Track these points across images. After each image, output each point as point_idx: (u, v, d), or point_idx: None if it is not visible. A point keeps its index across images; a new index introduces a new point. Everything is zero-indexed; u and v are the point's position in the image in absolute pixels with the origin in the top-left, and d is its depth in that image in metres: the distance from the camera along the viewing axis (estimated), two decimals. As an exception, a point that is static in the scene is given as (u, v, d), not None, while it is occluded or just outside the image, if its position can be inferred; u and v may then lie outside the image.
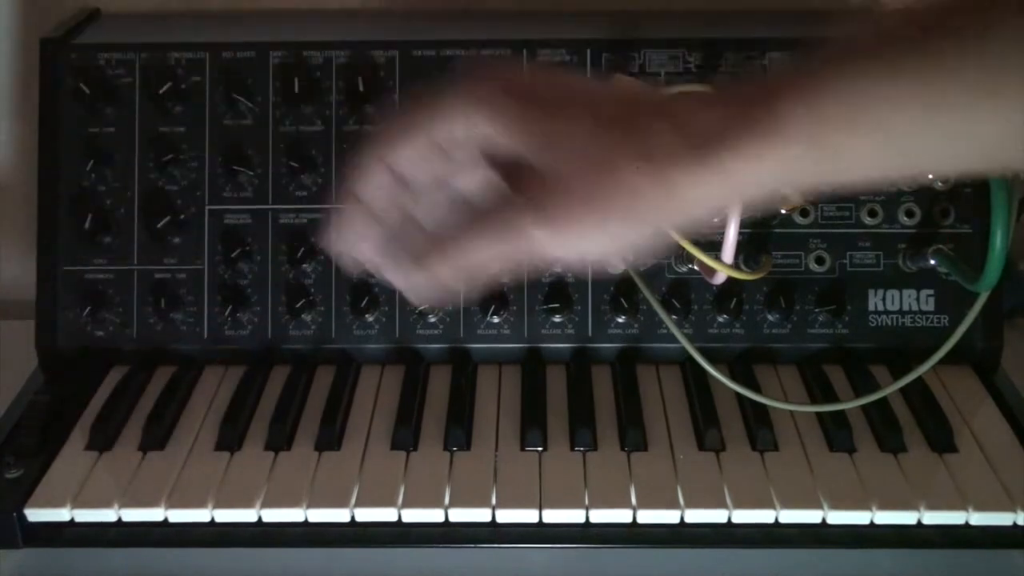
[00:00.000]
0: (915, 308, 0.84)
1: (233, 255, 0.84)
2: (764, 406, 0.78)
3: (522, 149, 0.52)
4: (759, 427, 0.76)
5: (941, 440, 0.76)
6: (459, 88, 0.53)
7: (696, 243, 0.72)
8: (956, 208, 0.84)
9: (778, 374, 0.84)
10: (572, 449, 0.76)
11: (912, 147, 0.47)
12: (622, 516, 0.71)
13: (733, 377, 0.77)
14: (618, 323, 0.85)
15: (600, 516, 0.71)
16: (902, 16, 0.47)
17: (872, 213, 0.84)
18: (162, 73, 0.85)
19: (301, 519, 0.72)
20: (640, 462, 0.75)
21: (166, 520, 0.72)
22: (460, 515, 0.72)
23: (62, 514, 0.72)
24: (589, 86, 0.58)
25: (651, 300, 0.78)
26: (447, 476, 0.74)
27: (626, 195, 0.50)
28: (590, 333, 0.85)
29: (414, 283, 0.56)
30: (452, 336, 0.85)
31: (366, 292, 0.84)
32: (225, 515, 0.72)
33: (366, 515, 0.72)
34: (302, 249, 0.84)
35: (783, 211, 0.83)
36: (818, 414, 0.79)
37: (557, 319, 0.85)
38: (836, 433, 0.76)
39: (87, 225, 0.84)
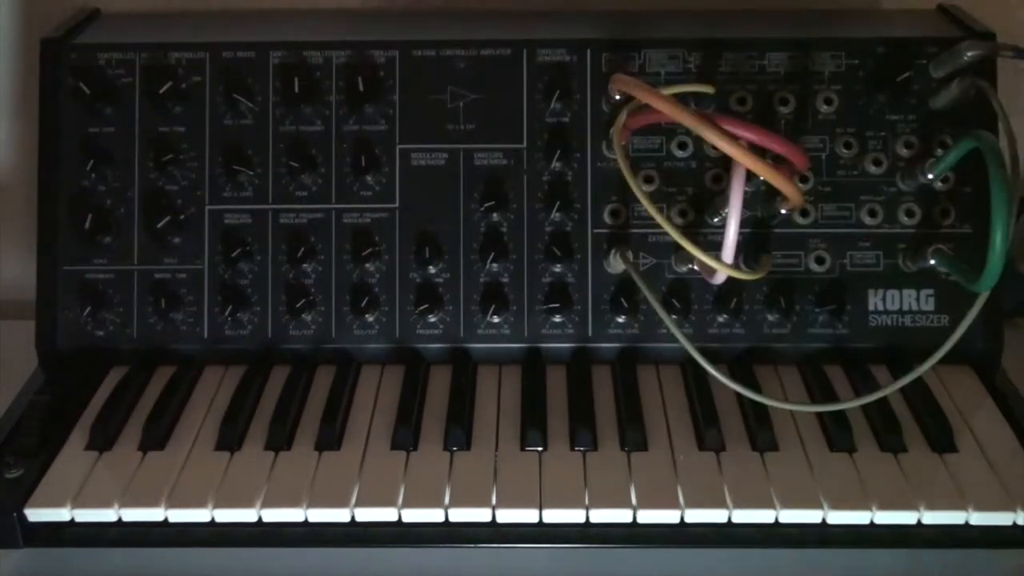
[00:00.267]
0: (915, 308, 0.84)
1: (233, 255, 0.84)
2: (764, 406, 0.78)
3: None
4: (759, 427, 0.76)
5: (941, 440, 0.76)
6: None
7: (696, 243, 0.72)
8: (956, 208, 0.84)
9: (778, 374, 0.84)
10: (572, 449, 0.76)
11: None
12: (622, 516, 0.71)
13: (733, 377, 0.77)
14: (618, 323, 0.85)
15: (600, 516, 0.71)
16: None
17: (872, 213, 0.84)
18: (162, 73, 0.85)
19: (301, 519, 0.72)
20: (640, 462, 0.75)
21: (166, 520, 0.72)
22: (460, 515, 0.72)
23: (62, 514, 0.72)
24: None
25: (651, 300, 0.78)
26: (447, 476, 0.74)
27: None
28: (590, 333, 0.85)
29: None
30: (452, 336, 0.85)
31: (366, 292, 0.84)
32: (225, 515, 0.72)
33: (366, 515, 0.72)
34: (302, 249, 0.84)
35: (783, 211, 0.83)
36: (818, 414, 0.79)
37: (557, 319, 0.85)
38: (836, 433, 0.76)
39: (87, 225, 0.84)
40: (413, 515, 0.72)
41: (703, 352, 0.76)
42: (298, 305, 0.84)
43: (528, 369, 0.85)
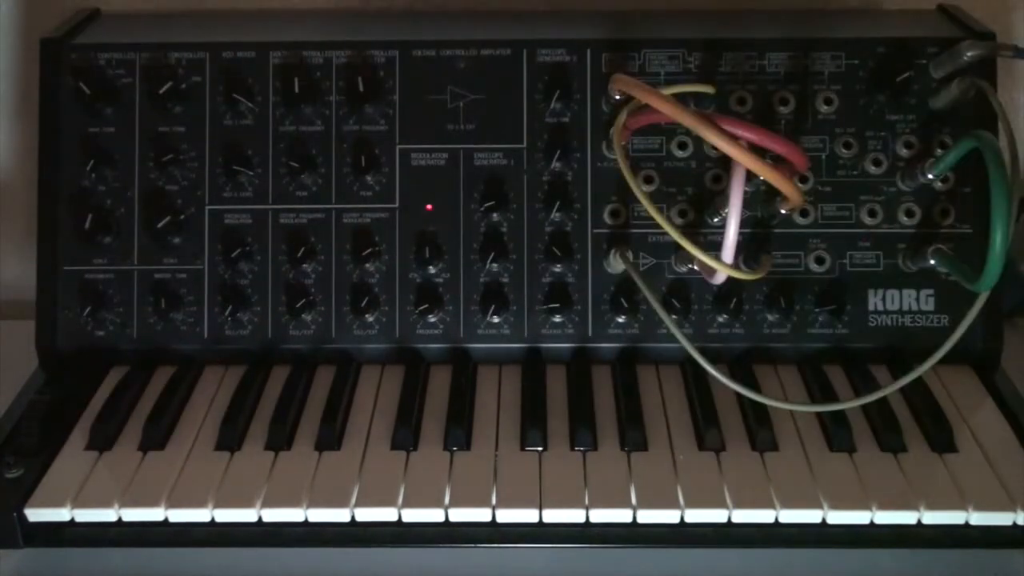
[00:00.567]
0: (915, 308, 0.84)
1: (233, 255, 0.84)
2: (764, 406, 0.78)
3: None
4: (759, 427, 0.76)
5: (941, 440, 0.76)
6: None
7: (696, 243, 0.72)
8: (956, 208, 0.84)
9: (778, 374, 0.84)
10: (572, 449, 0.76)
11: None
12: (622, 516, 0.71)
13: (733, 377, 0.77)
14: (618, 323, 0.85)
15: (600, 516, 0.71)
16: None
17: (872, 213, 0.84)
18: (162, 73, 0.85)
19: (301, 519, 0.72)
20: (640, 462, 0.75)
21: (166, 520, 0.72)
22: (460, 515, 0.72)
23: (62, 514, 0.72)
24: None
25: (651, 300, 0.78)
26: (447, 476, 0.74)
27: None
28: (590, 333, 0.85)
29: None
30: (452, 336, 0.85)
31: (366, 292, 0.84)
32: (225, 515, 0.72)
33: (366, 515, 0.72)
34: (302, 249, 0.84)
35: (783, 211, 0.83)
36: (818, 414, 0.79)
37: (557, 319, 0.85)
38: (836, 433, 0.76)
39: (87, 225, 0.84)
40: (413, 515, 0.72)
41: (703, 352, 0.76)
42: (298, 305, 0.84)
43: (528, 369, 0.84)
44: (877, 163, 0.85)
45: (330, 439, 0.77)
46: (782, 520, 0.71)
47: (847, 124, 0.85)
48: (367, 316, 0.84)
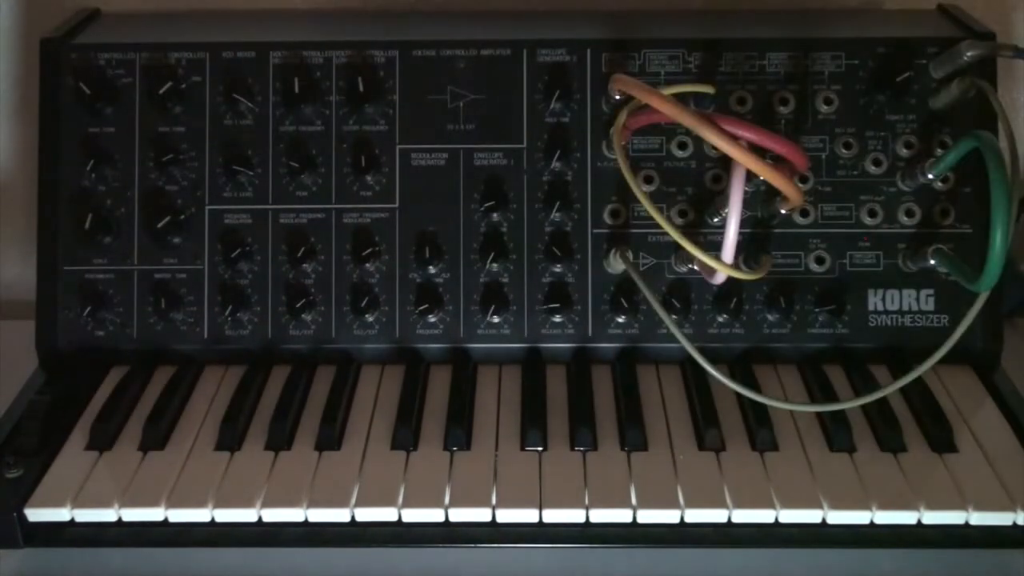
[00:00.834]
0: (915, 308, 0.84)
1: (233, 255, 0.84)
2: (764, 406, 0.78)
3: None
4: (759, 427, 0.76)
5: (941, 440, 0.76)
6: None
7: (696, 243, 0.72)
8: (956, 208, 0.84)
9: (778, 374, 0.84)
10: (572, 449, 0.76)
11: None
12: (622, 516, 0.71)
13: (733, 377, 0.77)
14: (618, 323, 0.85)
15: (600, 516, 0.71)
16: None
17: (872, 213, 0.84)
18: (162, 73, 0.85)
19: (301, 519, 0.72)
20: (640, 462, 0.75)
21: (166, 520, 0.72)
22: (460, 515, 0.72)
23: (62, 514, 0.72)
24: None
25: (651, 300, 0.78)
26: (447, 476, 0.74)
27: None
28: (590, 333, 0.85)
29: None
30: (452, 336, 0.85)
31: (366, 292, 0.84)
32: (225, 515, 0.72)
33: (366, 515, 0.72)
34: (302, 249, 0.84)
35: (783, 211, 0.83)
36: (818, 414, 0.79)
37: (557, 319, 0.85)
38: (836, 433, 0.76)
39: (87, 225, 0.84)
40: (413, 515, 0.72)
41: (703, 352, 0.76)
42: (298, 305, 0.84)
43: (528, 369, 0.85)
44: (877, 163, 0.85)
45: (330, 439, 0.77)
46: (782, 520, 0.71)
47: (847, 124, 0.85)
48: (367, 316, 0.84)
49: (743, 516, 0.71)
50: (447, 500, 0.72)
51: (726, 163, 0.84)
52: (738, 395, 0.79)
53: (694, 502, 0.71)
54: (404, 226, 0.86)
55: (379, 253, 0.85)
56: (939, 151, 0.84)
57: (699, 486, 0.72)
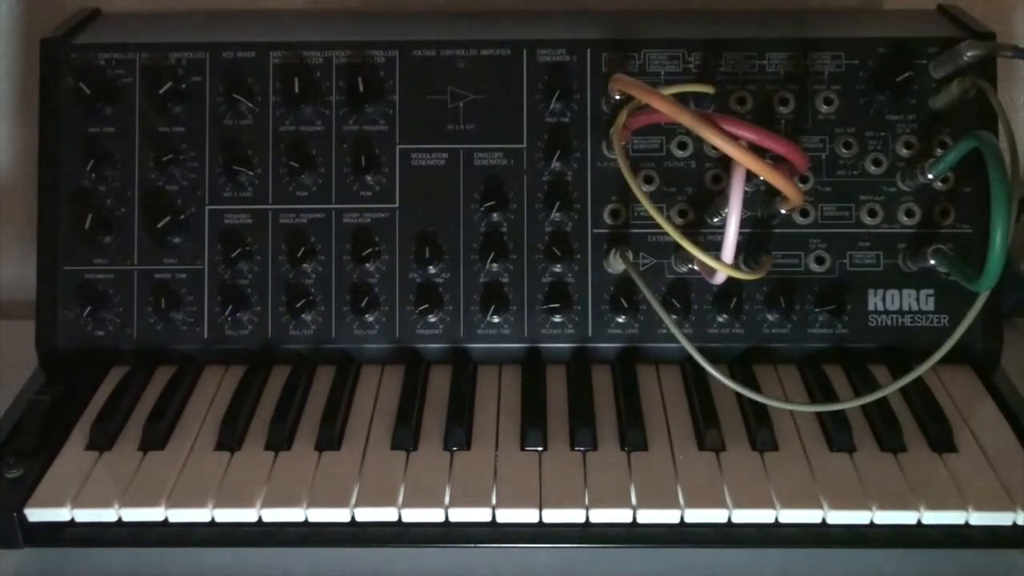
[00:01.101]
0: (915, 308, 0.84)
1: (233, 255, 0.84)
2: (764, 406, 0.78)
3: None
4: (759, 427, 0.76)
5: (941, 440, 0.76)
6: None
7: (696, 243, 0.72)
8: (956, 208, 0.84)
9: (778, 374, 0.84)
10: (572, 449, 0.76)
11: None
12: (622, 516, 0.71)
13: (733, 377, 0.77)
14: (618, 323, 0.85)
15: (600, 516, 0.71)
16: None
17: (872, 213, 0.84)
18: (162, 73, 0.85)
19: (301, 519, 0.72)
20: (640, 462, 0.75)
21: (166, 520, 0.72)
22: (460, 515, 0.72)
23: (62, 514, 0.72)
24: None
25: (651, 300, 0.78)
26: (447, 476, 0.74)
27: None
28: (590, 333, 0.85)
29: None
30: (452, 336, 0.85)
31: (366, 292, 0.84)
32: (225, 515, 0.72)
33: (366, 515, 0.72)
34: (302, 249, 0.84)
35: (783, 211, 0.83)
36: (818, 414, 0.79)
37: (557, 319, 0.85)
38: (836, 433, 0.76)
39: (87, 225, 0.84)
40: (413, 515, 0.72)
41: (703, 352, 0.76)
42: (298, 305, 0.84)
43: (528, 369, 0.85)
44: (877, 163, 0.85)
45: (330, 439, 0.77)
46: (782, 520, 0.71)
47: (847, 124, 0.85)
48: (367, 316, 0.84)
49: (743, 516, 0.71)
50: (447, 500, 0.72)
51: (726, 163, 0.84)
52: (738, 395, 0.79)
53: (694, 502, 0.71)
54: (404, 226, 0.86)
55: (379, 253, 0.85)
56: (939, 151, 0.84)
57: (699, 486, 0.72)
